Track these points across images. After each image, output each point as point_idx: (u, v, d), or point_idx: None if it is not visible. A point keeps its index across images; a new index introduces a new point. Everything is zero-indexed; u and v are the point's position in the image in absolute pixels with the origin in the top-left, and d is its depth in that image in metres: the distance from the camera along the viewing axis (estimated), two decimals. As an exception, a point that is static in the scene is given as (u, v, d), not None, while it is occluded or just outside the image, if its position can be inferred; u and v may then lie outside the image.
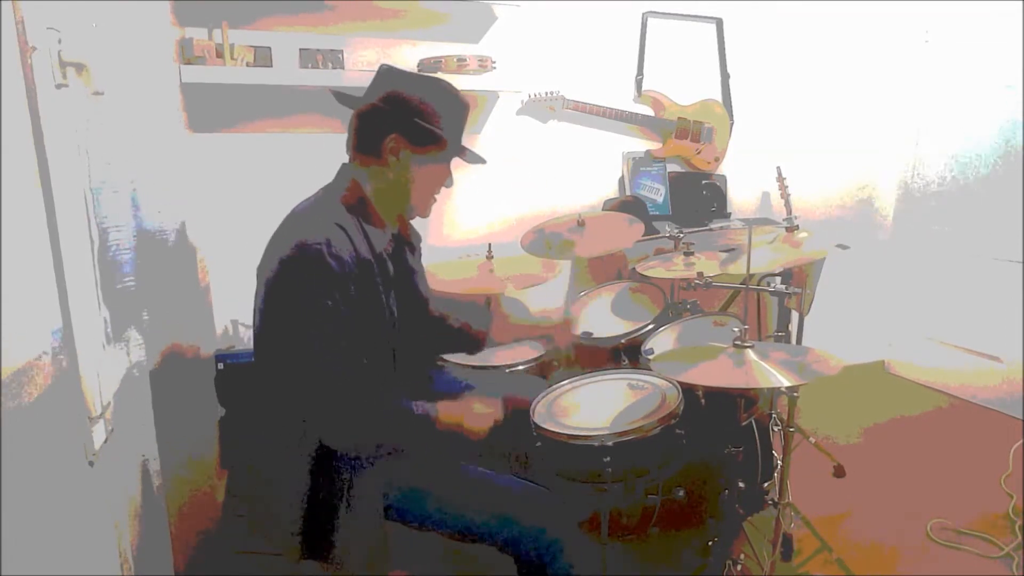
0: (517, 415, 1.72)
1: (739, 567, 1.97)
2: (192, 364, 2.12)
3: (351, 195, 1.56)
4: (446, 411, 1.56)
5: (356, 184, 1.58)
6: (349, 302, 1.44)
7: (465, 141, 1.66)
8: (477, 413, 1.59)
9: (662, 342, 2.19)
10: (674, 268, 2.34)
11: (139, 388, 1.54)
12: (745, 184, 3.39)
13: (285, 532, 1.48)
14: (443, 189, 1.68)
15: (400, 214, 1.67)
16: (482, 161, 1.68)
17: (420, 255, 1.81)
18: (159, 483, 1.64)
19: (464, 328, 1.93)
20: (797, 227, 2.21)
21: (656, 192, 3.19)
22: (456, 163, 1.67)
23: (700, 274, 2.06)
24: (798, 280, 2.50)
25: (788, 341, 2.90)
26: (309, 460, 1.47)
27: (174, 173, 2.01)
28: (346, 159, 1.64)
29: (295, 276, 1.43)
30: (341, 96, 1.63)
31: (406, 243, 1.73)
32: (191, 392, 2.02)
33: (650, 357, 2.01)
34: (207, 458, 2.14)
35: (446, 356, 2.13)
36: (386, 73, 1.60)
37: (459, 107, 1.63)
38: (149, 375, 1.60)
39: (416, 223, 1.75)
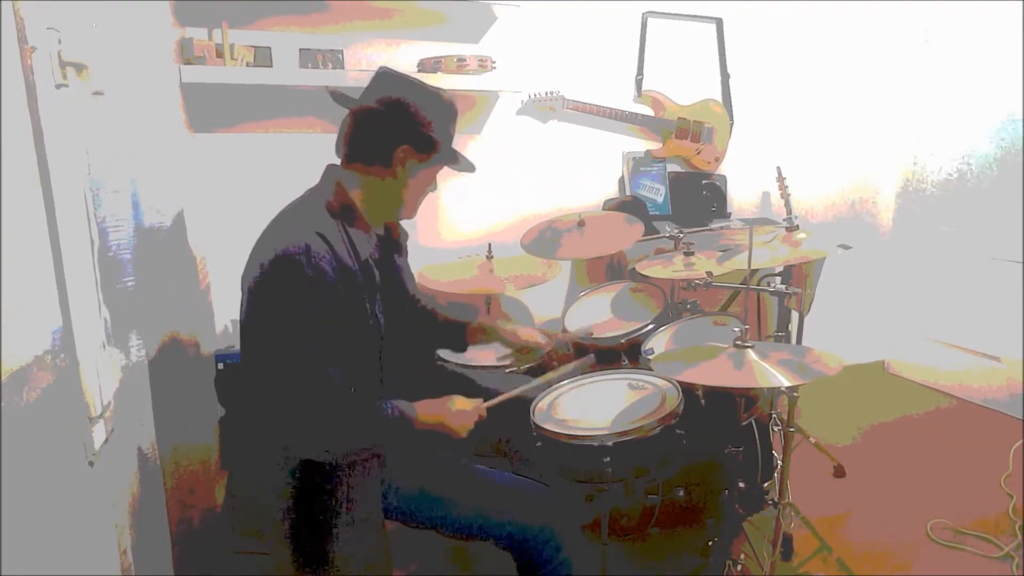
0: (510, 408, 1.69)
1: (739, 567, 1.97)
2: (192, 364, 2.12)
3: (336, 200, 1.53)
4: (426, 410, 1.53)
5: (342, 188, 1.55)
6: (329, 311, 1.41)
7: (464, 141, 1.66)
8: (458, 411, 1.56)
9: (662, 342, 2.19)
10: (674, 268, 2.34)
11: (139, 388, 1.55)
12: (745, 184, 3.39)
13: (280, 537, 1.47)
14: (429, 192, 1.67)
15: (388, 218, 1.66)
16: (472, 169, 1.67)
17: (407, 253, 1.79)
18: (159, 483, 1.64)
19: (451, 322, 1.90)
20: (797, 227, 2.21)
21: (656, 192, 3.19)
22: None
23: (709, 273, 2.05)
24: (798, 280, 2.49)
25: (788, 341, 2.90)
26: (302, 466, 1.45)
27: (174, 173, 2.01)
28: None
29: (273, 284, 1.41)
30: (338, 96, 1.61)
31: (393, 244, 1.72)
32: (191, 392, 2.02)
33: (650, 357, 2.01)
34: (207, 458, 2.14)
35: (442, 355, 2.12)
36: (384, 76, 1.59)
37: (451, 113, 1.62)
38: (149, 375, 1.60)
39: (412, 224, 1.74)
